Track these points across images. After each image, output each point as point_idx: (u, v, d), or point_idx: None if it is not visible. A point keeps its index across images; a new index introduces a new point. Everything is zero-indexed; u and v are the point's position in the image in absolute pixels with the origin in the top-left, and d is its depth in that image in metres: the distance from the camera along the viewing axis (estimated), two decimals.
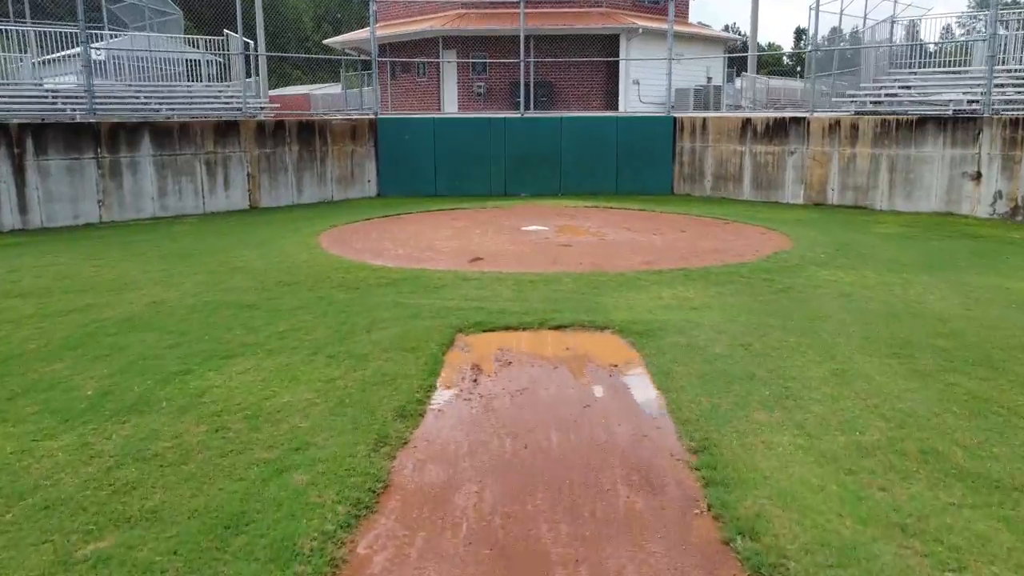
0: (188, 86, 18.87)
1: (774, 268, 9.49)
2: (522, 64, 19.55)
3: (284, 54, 21.77)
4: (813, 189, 16.69)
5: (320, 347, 6.41)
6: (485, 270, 9.42)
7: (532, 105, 26.47)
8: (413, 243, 11.62)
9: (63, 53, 18.06)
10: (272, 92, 56.15)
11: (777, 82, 45.26)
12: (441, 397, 5.31)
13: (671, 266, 9.67)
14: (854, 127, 15.93)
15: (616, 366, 5.96)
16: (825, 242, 11.41)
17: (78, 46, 18.18)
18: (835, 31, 34.17)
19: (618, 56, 27.14)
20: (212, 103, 18.20)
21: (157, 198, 15.51)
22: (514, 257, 10.40)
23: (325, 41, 30.94)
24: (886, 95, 17.54)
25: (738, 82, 37.01)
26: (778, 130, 17.12)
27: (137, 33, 19.63)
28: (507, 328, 6.99)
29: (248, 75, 20.17)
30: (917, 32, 19.97)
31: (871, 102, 17.31)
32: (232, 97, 18.47)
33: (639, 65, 27.53)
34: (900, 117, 15.40)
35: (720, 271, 9.32)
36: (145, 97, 17.51)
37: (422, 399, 5.22)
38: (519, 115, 19.47)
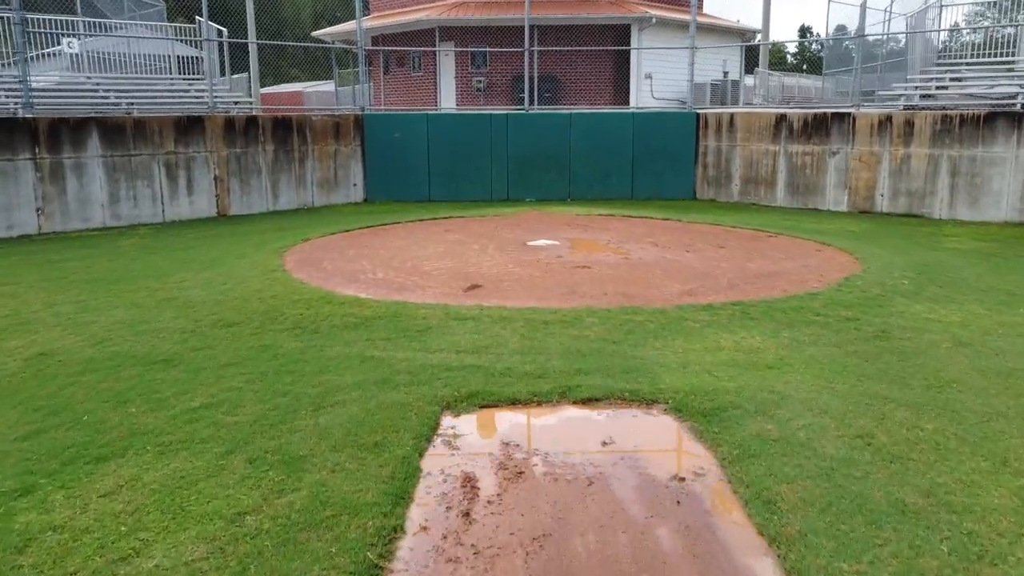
0: (150, 79, 16.82)
1: (853, 301, 7.43)
2: (527, 53, 17.49)
3: (260, 41, 19.68)
4: (859, 195, 14.62)
5: (241, 440, 4.36)
6: (484, 304, 7.36)
7: (536, 101, 24.41)
8: (397, 263, 9.57)
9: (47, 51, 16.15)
10: (265, 90, 54.21)
11: (791, 80, 43.21)
12: (410, 558, 3.25)
13: (721, 298, 7.61)
14: (908, 124, 13.87)
15: (683, 480, 3.91)
16: (900, 263, 9.35)
17: (61, 41, 16.23)
18: (840, 29, 32.08)
19: (628, 51, 25.09)
20: (180, 98, 16.15)
21: (108, 205, 13.46)
22: (520, 284, 8.34)
23: (314, 33, 28.93)
24: (937, 87, 15.50)
25: (749, 79, 35.01)
26: (818, 128, 15.06)
27: (109, 22, 17.57)
28: (514, 402, 4.93)
29: (223, 70, 18.15)
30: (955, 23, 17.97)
31: (921, 95, 15.26)
32: (204, 91, 16.40)
33: (652, 58, 25.48)
34: (964, 112, 13.34)
35: (786, 306, 7.25)
36: (104, 91, 15.47)
37: (377, 563, 3.16)
38: (523, 110, 17.41)
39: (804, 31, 59.18)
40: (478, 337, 6.29)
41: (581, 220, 13.48)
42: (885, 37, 20.32)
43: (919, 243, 11.01)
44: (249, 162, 15.12)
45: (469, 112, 16.98)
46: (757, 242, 11.06)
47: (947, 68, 16.16)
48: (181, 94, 16.36)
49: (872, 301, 7.42)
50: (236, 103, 16.97)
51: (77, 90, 15.26)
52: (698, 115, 16.92)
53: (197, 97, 15.98)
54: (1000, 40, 17.20)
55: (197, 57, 18.53)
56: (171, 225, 13.72)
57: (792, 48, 61.16)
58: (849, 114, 14.68)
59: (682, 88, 26.78)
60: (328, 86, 40.36)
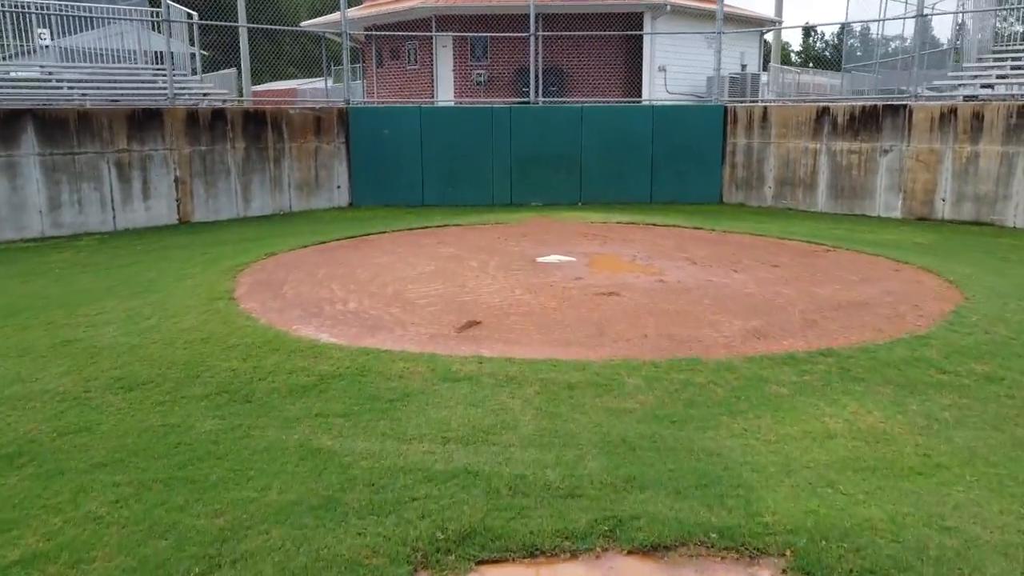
0: (110, 68, 14.91)
1: (983, 348, 5.51)
2: (532, 39, 15.58)
3: (243, 24, 17.78)
4: (915, 199, 12.71)
5: None
6: (484, 354, 5.45)
7: (540, 94, 22.49)
8: (376, 287, 7.66)
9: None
10: (259, 87, 52.29)
11: (806, 77, 41.25)
12: None
13: (801, 342, 5.70)
14: (977, 117, 11.95)
15: None
16: (1004, 288, 7.44)
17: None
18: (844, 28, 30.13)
19: (640, 42, 23.19)
20: (146, 90, 14.24)
21: (47, 212, 11.56)
22: (531, 320, 6.43)
23: (303, 24, 27.07)
24: (997, 77, 13.60)
25: (763, 76, 33.13)
26: (867, 122, 13.14)
27: (85, 14, 15.67)
28: (533, 553, 3.03)
29: (196, 70, 16.31)
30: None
31: (981, 85, 13.36)
32: (176, 83, 14.50)
33: (666, 49, 23.58)
34: None
35: (894, 356, 5.33)
36: (57, 81, 13.58)
37: None
38: (528, 103, 15.51)
39: (808, 31, 57.23)
40: (475, 413, 4.38)
41: (597, 229, 11.56)
42: (921, 25, 18.48)
43: (1007, 259, 9.11)
44: (216, 161, 13.21)
45: (468, 105, 15.05)
46: (815, 258, 9.15)
47: (1011, 55, 14.25)
48: (146, 86, 14.46)
49: (1006, 348, 5.51)
50: (206, 95, 15.06)
51: (28, 81, 13.37)
52: (726, 109, 15.01)
53: (164, 89, 14.08)
54: None
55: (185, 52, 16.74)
56: (122, 235, 11.81)
57: (796, 46, 59.26)
58: (904, 106, 12.77)
59: (698, 81, 24.91)
60: (322, 82, 38.46)
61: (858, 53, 29.03)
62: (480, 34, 22.22)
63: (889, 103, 13.10)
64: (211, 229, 12.29)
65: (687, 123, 14.98)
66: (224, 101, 15.12)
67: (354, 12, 27.39)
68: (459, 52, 24.38)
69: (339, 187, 14.83)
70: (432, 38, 23.79)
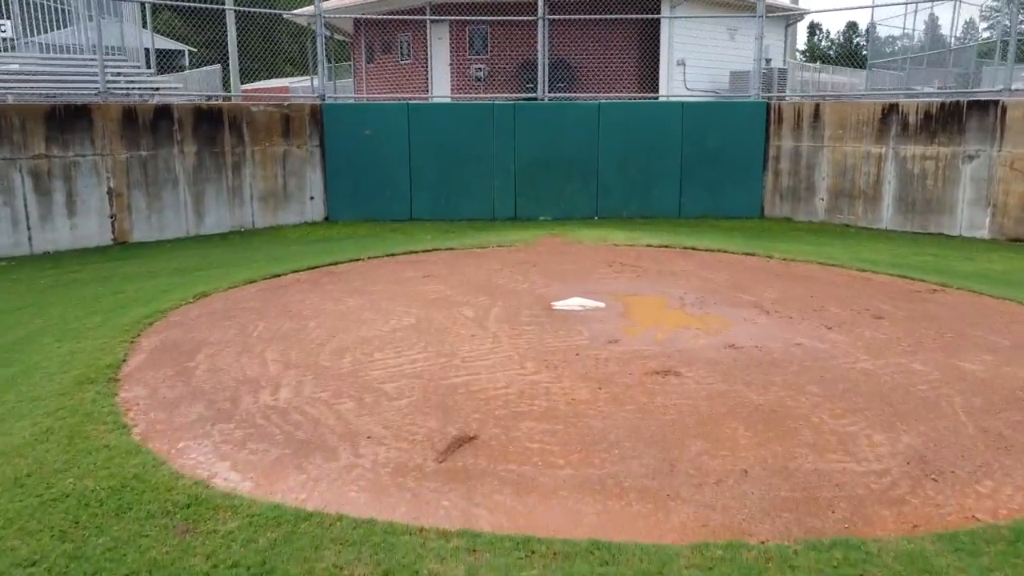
0: (47, 60, 12.66)
1: None
2: (542, 23, 13.31)
3: (193, 3, 15.43)
4: (1007, 215, 10.44)
5: None
6: (479, 524, 3.17)
7: (548, 88, 20.24)
8: (327, 358, 5.39)
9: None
10: (249, 86, 49.88)
11: (825, 76, 39.07)
12: None
13: (1007, 489, 3.42)
14: None
15: None
16: None
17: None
18: (851, 26, 27.91)
19: (658, 31, 20.92)
20: (87, 83, 11.96)
21: None
22: (555, 430, 4.17)
23: (286, 14, 24.81)
24: None
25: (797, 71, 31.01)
26: (947, 122, 10.86)
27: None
28: None
29: (151, 62, 14.16)
30: None
31: None
32: (118, 74, 12.24)
33: (685, 41, 21.32)
34: None
35: None
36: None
37: None
38: (535, 98, 13.24)
39: (813, 28, 55.02)
40: None
41: (624, 255, 9.28)
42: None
43: None
44: (160, 169, 10.94)
45: (464, 102, 12.78)
46: (924, 303, 6.86)
47: None
48: (84, 78, 12.16)
49: None
50: (157, 90, 12.79)
51: None
52: (769, 106, 12.73)
53: (113, 82, 11.76)
54: None
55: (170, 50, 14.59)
56: (38, 260, 9.56)
57: (800, 44, 56.84)
58: (995, 103, 10.49)
59: (720, 77, 22.64)
60: (318, 80, 36.19)
61: (887, 49, 26.81)
62: (481, 18, 19.95)
63: (975, 99, 10.82)
64: (149, 253, 10.02)
65: (722, 122, 12.70)
66: (187, 99, 12.82)
67: (340, 0, 25.13)
68: (456, 45, 22.12)
69: (312, 198, 12.55)
70: (427, 30, 21.53)
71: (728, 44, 22.30)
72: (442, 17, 21.72)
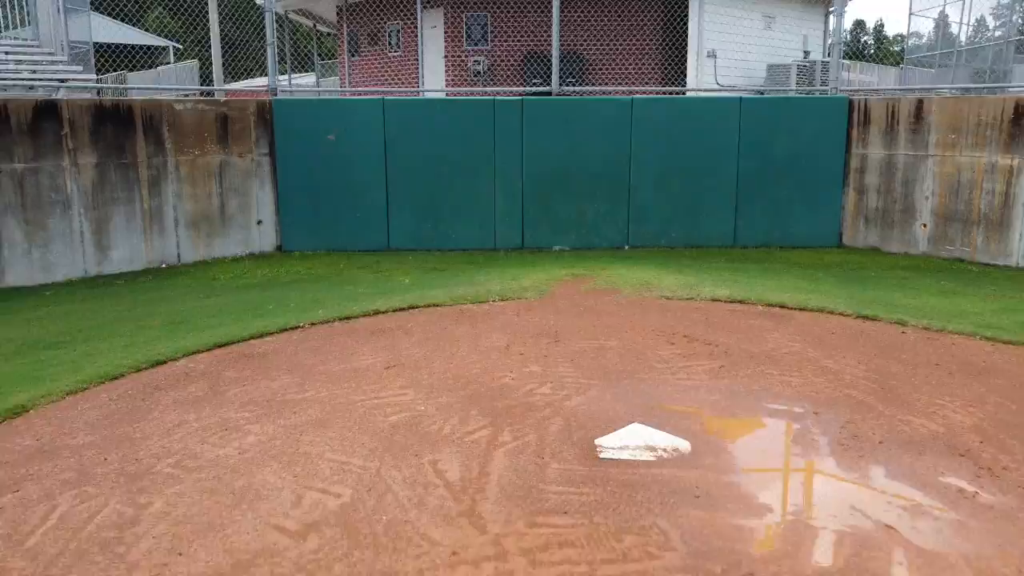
0: None
1: None
2: (556, 3, 10.41)
3: None
4: None
5: None
6: None
7: (561, 81, 17.38)
8: None
9: None
10: (235, 85, 46.96)
11: (852, 75, 36.27)
12: None
13: None
14: None
15: None
16: None
17: None
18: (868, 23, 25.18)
19: (684, 19, 18.02)
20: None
21: None
22: None
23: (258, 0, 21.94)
24: None
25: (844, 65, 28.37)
26: None
27: None
28: None
29: (64, 46, 11.33)
30: None
31: None
32: (19, 62, 9.39)
33: (717, 30, 18.45)
34: None
35: None
36: None
37: None
38: (549, 92, 10.36)
39: (857, 23, 52.34)
40: None
41: (685, 316, 6.37)
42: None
43: None
44: (44, 187, 8.07)
45: (457, 98, 9.92)
46: None
47: None
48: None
49: None
50: (64, 82, 9.90)
51: None
52: (851, 103, 9.84)
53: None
54: None
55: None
56: None
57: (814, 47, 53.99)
58: None
59: (755, 71, 19.77)
60: (309, 78, 33.25)
61: (914, 43, 23.86)
62: (479, 15, 17.13)
63: None
64: (15, 306, 7.15)
65: (791, 124, 9.81)
66: (63, 83, 9.91)
67: None
68: (452, 34, 19.24)
69: (260, 223, 9.67)
70: (417, 17, 18.64)
71: (763, 33, 19.44)
72: (434, 14, 18.84)
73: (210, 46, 10.86)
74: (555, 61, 10.39)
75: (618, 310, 6.61)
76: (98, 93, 10.17)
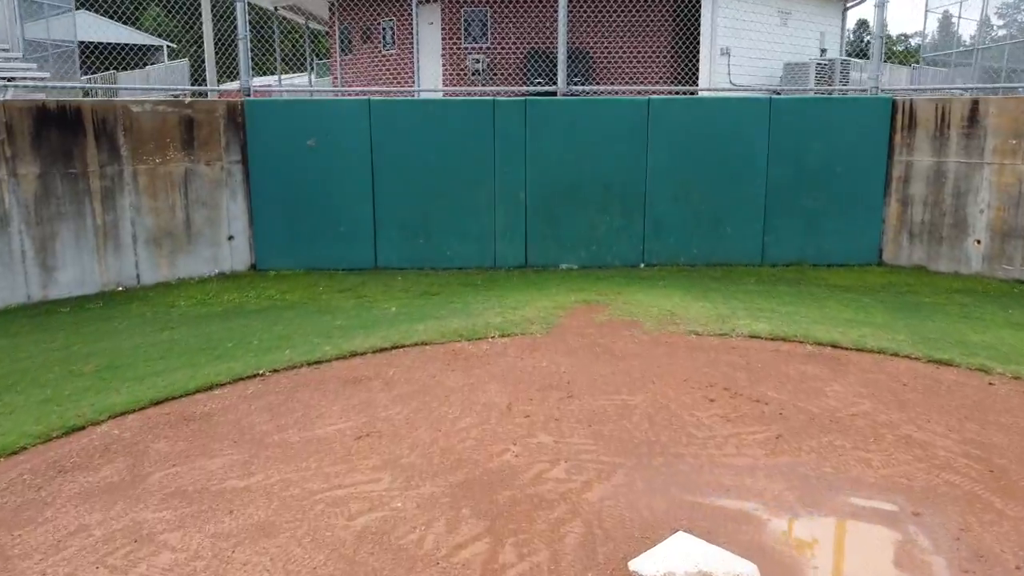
0: None
1: None
2: None
3: None
4: None
5: None
6: None
7: (569, 81, 16.35)
8: None
9: None
10: (229, 86, 45.94)
11: (855, 73, 35.36)
12: None
13: None
14: None
15: None
16: None
17: None
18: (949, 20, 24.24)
19: (697, 15, 16.96)
20: None
21: None
22: None
23: None
24: None
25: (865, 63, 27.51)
26: None
27: None
28: None
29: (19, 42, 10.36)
30: None
31: None
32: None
33: (730, 27, 17.44)
34: None
35: None
36: None
37: None
38: (555, 92, 9.31)
39: (860, 23, 51.27)
40: None
41: (723, 360, 5.32)
42: None
43: None
44: None
45: (453, 99, 8.87)
46: None
47: None
48: None
49: None
50: (10, 81, 8.89)
51: None
52: (895, 104, 8.79)
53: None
54: None
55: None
56: None
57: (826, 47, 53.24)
58: None
59: (771, 69, 18.73)
60: (305, 78, 32.20)
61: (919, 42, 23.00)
62: (476, 10, 16.18)
63: None
64: None
65: (826, 128, 8.76)
66: (9, 81, 8.88)
67: None
68: (449, 30, 18.21)
69: (231, 238, 8.63)
70: (412, 13, 17.59)
71: (778, 30, 18.41)
72: (431, 19, 17.83)
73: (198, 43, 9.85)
74: (561, 57, 9.35)
75: (641, 350, 5.55)
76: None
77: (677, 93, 15.85)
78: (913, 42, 22.21)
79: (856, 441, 4.01)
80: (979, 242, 8.29)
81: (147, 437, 4.14)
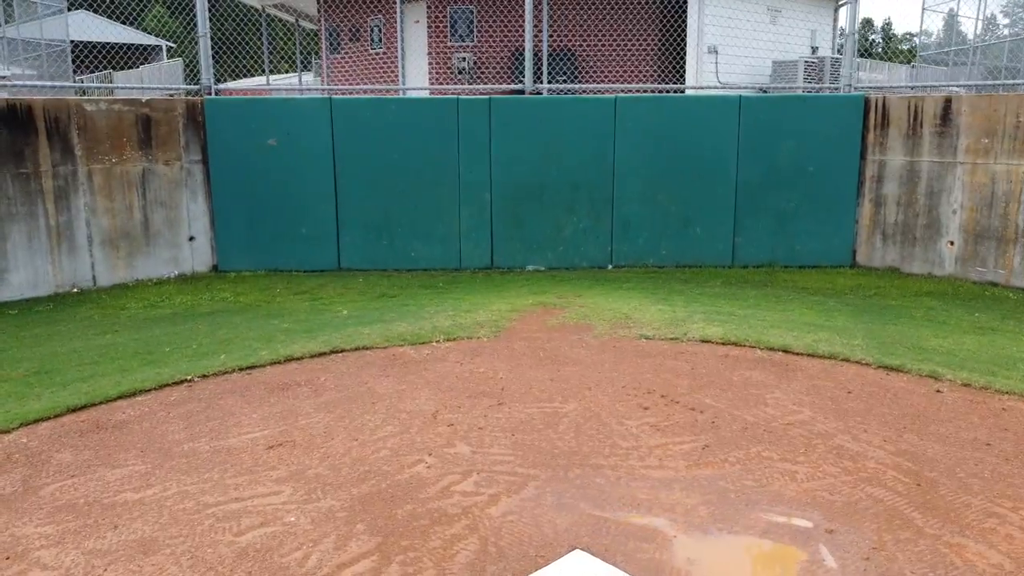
0: None
1: None
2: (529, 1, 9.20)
3: None
4: None
5: None
6: None
7: (544, 79, 16.19)
8: None
9: None
10: (227, 85, 45.98)
11: (863, 74, 35.10)
12: None
13: None
14: None
15: None
16: None
17: None
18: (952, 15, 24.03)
19: (684, 12, 16.77)
20: None
21: None
22: None
23: None
24: None
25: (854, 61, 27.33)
26: None
27: None
28: None
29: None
30: None
31: None
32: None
33: (718, 24, 17.25)
34: None
35: None
36: None
37: None
38: (524, 90, 9.15)
39: (865, 22, 51.12)
40: None
41: (666, 365, 5.16)
42: None
43: None
44: None
45: (415, 98, 8.71)
46: None
47: None
48: None
49: None
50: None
51: None
52: (867, 102, 8.61)
53: None
54: None
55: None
56: None
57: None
58: None
59: (759, 68, 18.54)
60: (306, 77, 32.08)
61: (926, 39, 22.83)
62: (463, 8, 16.07)
63: None
64: None
65: (798, 127, 8.59)
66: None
67: None
68: (435, 28, 18.06)
69: (192, 239, 8.50)
70: (397, 11, 17.45)
71: (768, 28, 18.21)
72: (417, 17, 17.71)
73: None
74: (528, 55, 9.19)
75: (586, 356, 5.40)
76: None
77: (665, 91, 15.70)
78: (918, 40, 22.00)
79: (785, 452, 3.85)
80: (952, 243, 8.12)
81: (53, 446, 4.00)
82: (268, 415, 4.38)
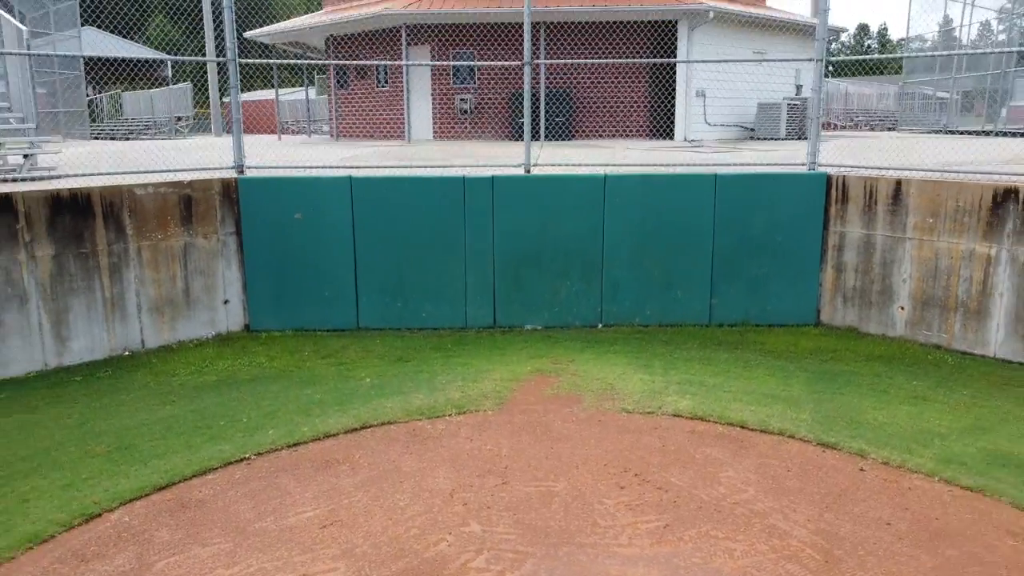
0: None
1: None
2: (528, 69, 10.24)
3: None
4: None
5: None
6: None
7: (542, 136, 17.24)
8: None
9: None
10: (252, 96, 46.70)
11: (853, 88, 36.27)
12: None
13: None
14: None
15: None
16: None
17: None
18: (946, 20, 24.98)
19: (673, 52, 17.80)
20: None
21: None
22: None
23: (247, 34, 21.86)
24: None
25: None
26: None
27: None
28: None
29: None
30: None
31: None
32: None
33: (707, 68, 18.29)
34: None
35: None
36: None
37: None
38: (522, 169, 10.20)
39: (861, 27, 52.04)
40: None
41: (642, 443, 6.21)
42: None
43: None
44: (1, 283, 7.95)
45: (426, 176, 9.76)
46: None
47: None
48: None
49: None
50: (26, 158, 9.79)
51: None
52: (830, 180, 9.67)
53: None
54: None
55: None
56: None
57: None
58: None
59: (745, 110, 19.59)
60: (302, 94, 33.07)
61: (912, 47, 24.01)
62: (462, 63, 17.09)
63: None
64: None
65: (767, 200, 9.64)
66: (52, 172, 9.80)
67: (310, 19, 22.14)
68: (439, 72, 19.10)
69: (227, 302, 9.54)
70: (404, 54, 18.51)
71: (755, 72, 19.28)
72: (420, 63, 18.75)
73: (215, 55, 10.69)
74: (527, 136, 10.21)
75: (576, 430, 6.45)
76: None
77: (684, 165, 16.75)
78: (914, 45, 23.04)
79: (729, 531, 4.90)
80: (903, 308, 9.16)
81: (152, 525, 5.04)
82: (318, 493, 5.42)
